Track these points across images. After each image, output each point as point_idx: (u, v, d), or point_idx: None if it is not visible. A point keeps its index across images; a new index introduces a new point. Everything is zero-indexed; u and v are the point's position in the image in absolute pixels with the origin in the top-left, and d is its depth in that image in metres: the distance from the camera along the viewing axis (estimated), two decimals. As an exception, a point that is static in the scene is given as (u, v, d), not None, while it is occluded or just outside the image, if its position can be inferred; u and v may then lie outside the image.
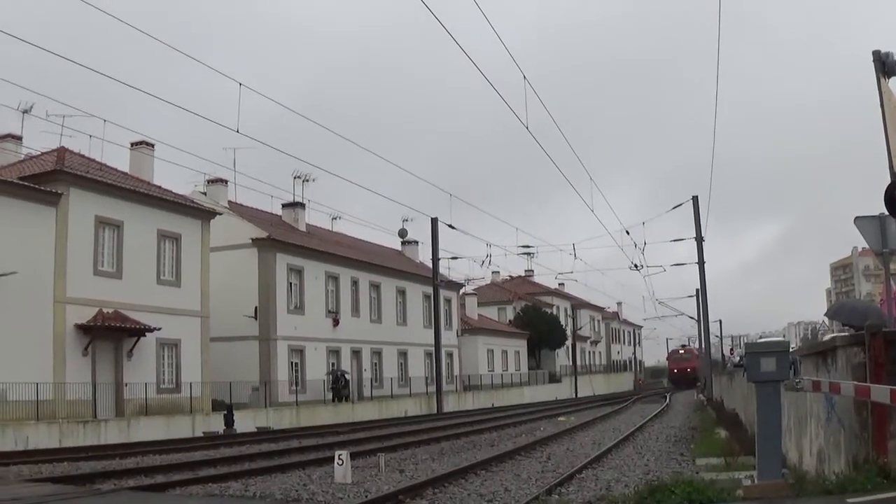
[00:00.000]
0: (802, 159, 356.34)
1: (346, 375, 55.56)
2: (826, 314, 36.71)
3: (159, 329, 41.24)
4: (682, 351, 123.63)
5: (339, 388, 54.42)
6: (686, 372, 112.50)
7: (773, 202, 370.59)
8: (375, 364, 64.38)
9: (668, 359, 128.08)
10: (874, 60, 15.51)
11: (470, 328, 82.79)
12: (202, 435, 36.35)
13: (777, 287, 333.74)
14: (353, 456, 17.64)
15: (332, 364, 57.25)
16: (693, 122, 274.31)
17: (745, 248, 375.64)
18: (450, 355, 74.25)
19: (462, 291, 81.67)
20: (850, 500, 8.93)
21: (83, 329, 37.65)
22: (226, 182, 55.45)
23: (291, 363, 53.55)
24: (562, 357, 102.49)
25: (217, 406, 43.59)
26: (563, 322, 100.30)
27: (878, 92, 15.44)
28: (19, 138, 41.38)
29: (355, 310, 62.35)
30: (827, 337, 16.78)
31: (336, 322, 59.23)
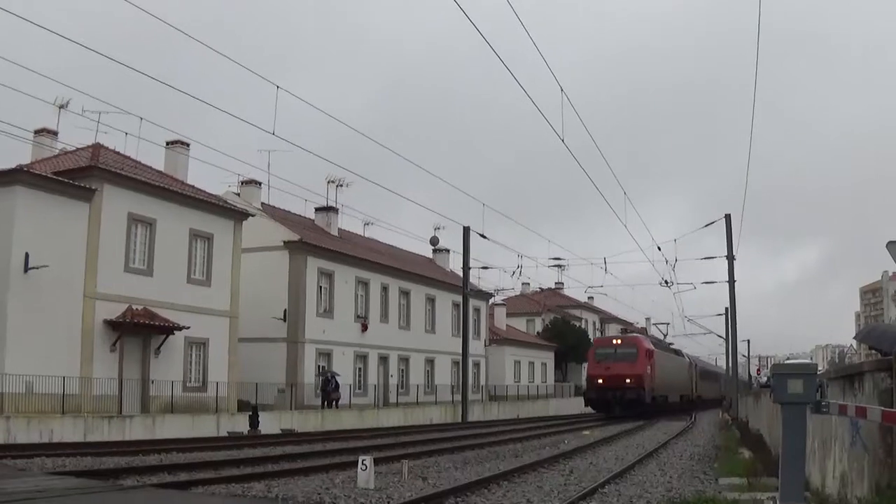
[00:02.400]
0: (842, 183, 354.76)
1: (338, 377, 52.53)
2: (855, 337, 36.58)
3: (188, 328, 41.46)
4: (618, 342, 65.07)
5: (329, 392, 51.46)
6: (622, 384, 58.65)
7: (807, 226, 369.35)
8: (402, 370, 64.43)
9: (589, 356, 66.97)
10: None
11: (498, 338, 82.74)
12: (227, 435, 36.48)
13: (806, 309, 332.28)
14: (376, 461, 17.66)
15: (321, 366, 54.89)
16: (739, 140, 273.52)
17: (777, 270, 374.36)
18: (477, 365, 74.34)
19: (491, 301, 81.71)
20: (872, 526, 8.91)
21: (112, 325, 37.90)
22: (259, 184, 55.72)
23: (318, 367, 53.55)
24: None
25: (242, 406, 43.74)
26: (591, 335, 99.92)
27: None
28: (55, 133, 41.72)
29: (384, 316, 62.46)
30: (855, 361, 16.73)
31: (364, 327, 59.31)
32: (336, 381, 51.80)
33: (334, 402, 51.41)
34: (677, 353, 79.62)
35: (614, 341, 65.50)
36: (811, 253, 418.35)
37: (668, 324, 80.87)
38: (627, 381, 58.39)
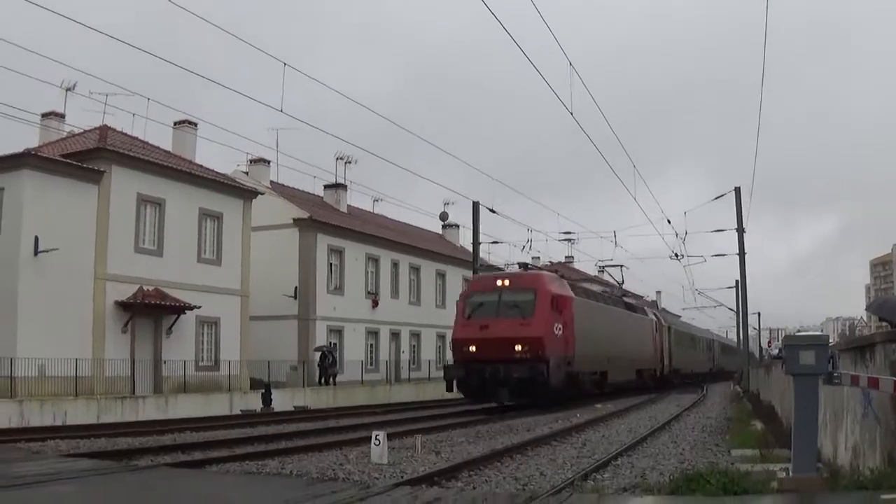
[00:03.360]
0: (853, 158, 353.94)
1: (334, 353, 51.86)
2: (868, 308, 36.58)
3: (199, 307, 41.60)
4: (504, 282, 38.28)
5: (326, 367, 50.41)
6: (508, 354, 35.03)
7: (819, 199, 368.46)
8: (414, 346, 64.56)
9: (458, 308, 39.65)
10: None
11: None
12: (240, 413, 36.65)
13: (816, 282, 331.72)
14: (389, 437, 17.73)
15: (332, 341, 54.50)
16: (751, 113, 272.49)
17: (788, 244, 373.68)
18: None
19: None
20: (884, 497, 8.93)
21: (123, 306, 38.07)
22: (268, 162, 55.81)
23: (330, 343, 53.63)
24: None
25: (255, 384, 43.95)
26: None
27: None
28: (62, 116, 41.82)
29: (395, 292, 62.59)
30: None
31: (375, 303, 59.45)
32: (333, 357, 51.48)
33: (332, 378, 51.03)
34: (631, 307, 55.95)
35: (499, 282, 38.37)
36: (822, 226, 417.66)
37: (622, 266, 56.78)
38: (517, 348, 35.26)
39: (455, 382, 36.83)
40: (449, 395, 41.03)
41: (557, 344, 36.69)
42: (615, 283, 57.75)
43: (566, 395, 37.86)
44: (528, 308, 36.20)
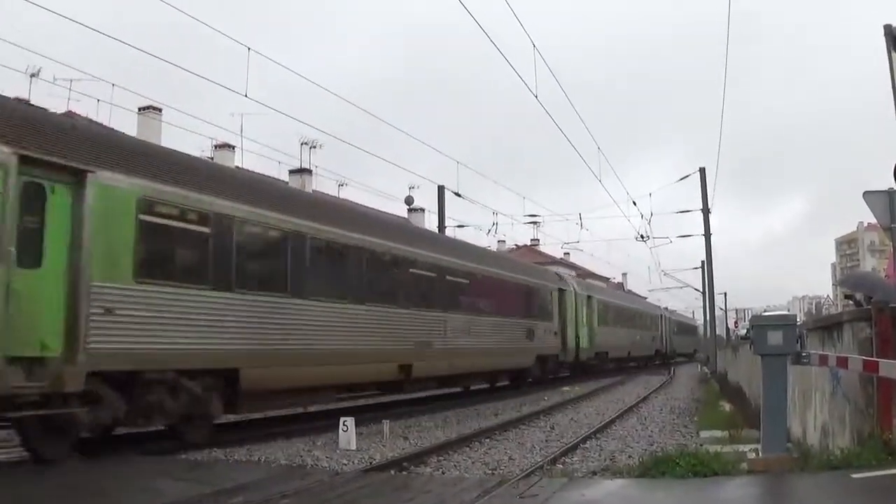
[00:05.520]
0: (821, 136, 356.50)
1: None
2: (842, 284, 36.59)
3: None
4: None
5: None
6: None
7: (784, 179, 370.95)
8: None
9: None
10: (885, 35, 15.45)
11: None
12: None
13: (782, 262, 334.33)
14: (357, 422, 17.68)
15: None
16: (716, 93, 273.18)
17: (754, 224, 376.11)
18: (455, 323, 73.65)
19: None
20: (854, 476, 8.96)
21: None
22: (233, 147, 55.43)
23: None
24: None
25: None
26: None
27: (889, 66, 15.39)
28: (27, 101, 41.36)
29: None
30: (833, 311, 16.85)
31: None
32: None
33: None
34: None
35: None
36: (788, 206, 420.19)
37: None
38: None
39: None
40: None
41: None
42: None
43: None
44: None
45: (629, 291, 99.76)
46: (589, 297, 49.63)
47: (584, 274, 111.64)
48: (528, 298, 38.02)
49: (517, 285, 36.76)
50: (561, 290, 43.39)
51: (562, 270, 56.38)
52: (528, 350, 36.95)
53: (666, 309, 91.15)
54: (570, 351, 44.12)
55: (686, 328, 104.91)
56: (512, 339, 34.63)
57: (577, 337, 45.63)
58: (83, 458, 13.87)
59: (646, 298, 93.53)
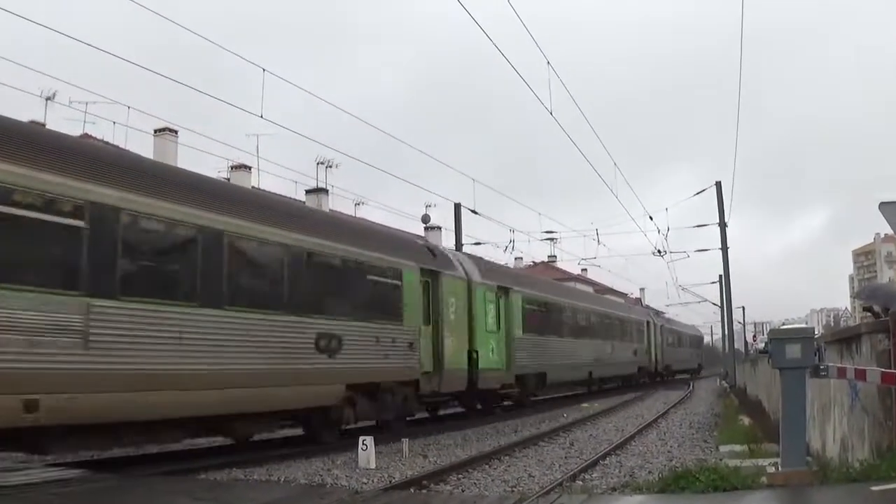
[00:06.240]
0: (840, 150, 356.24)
1: None
2: (858, 296, 36.65)
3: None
4: None
5: None
6: None
7: (804, 192, 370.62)
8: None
9: None
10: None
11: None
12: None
13: (800, 274, 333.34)
14: (377, 441, 17.69)
15: None
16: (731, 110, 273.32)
17: (771, 237, 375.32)
18: (474, 341, 72.85)
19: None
20: (873, 488, 8.94)
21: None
22: (249, 168, 55.59)
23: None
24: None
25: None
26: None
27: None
28: (43, 125, 41.55)
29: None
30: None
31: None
32: None
33: None
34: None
35: None
36: (805, 218, 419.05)
37: None
38: None
39: None
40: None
41: None
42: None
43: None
44: None
45: (647, 307, 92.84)
46: (504, 290, 33.16)
47: (601, 289, 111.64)
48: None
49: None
50: (433, 274, 27.08)
51: (580, 286, 52.90)
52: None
53: (657, 314, 76.28)
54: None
55: (690, 340, 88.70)
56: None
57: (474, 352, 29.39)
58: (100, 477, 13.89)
59: (676, 316, 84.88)
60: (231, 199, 19.23)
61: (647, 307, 76.62)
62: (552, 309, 39.78)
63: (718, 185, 49.32)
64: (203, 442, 22.41)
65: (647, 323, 61.65)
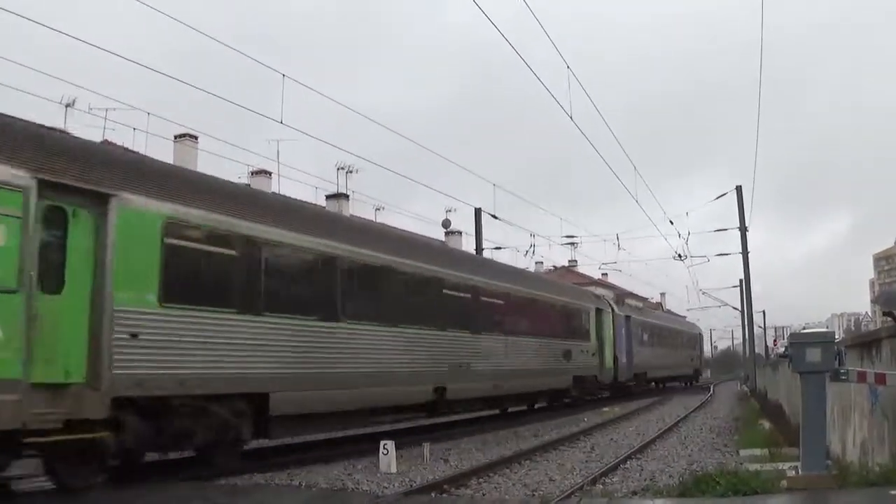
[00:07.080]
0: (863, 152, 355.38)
1: None
2: (876, 301, 36.51)
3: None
4: None
5: None
6: None
7: (826, 196, 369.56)
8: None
9: None
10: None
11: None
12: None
13: (820, 279, 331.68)
14: (398, 445, 17.72)
15: None
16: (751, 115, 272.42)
17: (792, 241, 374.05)
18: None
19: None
20: (893, 493, 8.96)
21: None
22: (269, 174, 55.71)
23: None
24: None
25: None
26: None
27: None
28: (63, 132, 41.70)
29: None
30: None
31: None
32: None
33: None
34: None
35: None
36: (827, 222, 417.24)
37: None
38: None
39: None
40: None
41: None
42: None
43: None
44: None
45: (668, 311, 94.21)
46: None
47: (622, 294, 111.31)
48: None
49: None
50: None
51: (599, 290, 54.73)
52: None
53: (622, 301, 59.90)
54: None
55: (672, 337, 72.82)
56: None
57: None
58: (117, 485, 13.94)
59: (685, 317, 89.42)
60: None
61: (621, 294, 64.75)
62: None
63: (739, 189, 49.21)
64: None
65: (598, 311, 42.85)
